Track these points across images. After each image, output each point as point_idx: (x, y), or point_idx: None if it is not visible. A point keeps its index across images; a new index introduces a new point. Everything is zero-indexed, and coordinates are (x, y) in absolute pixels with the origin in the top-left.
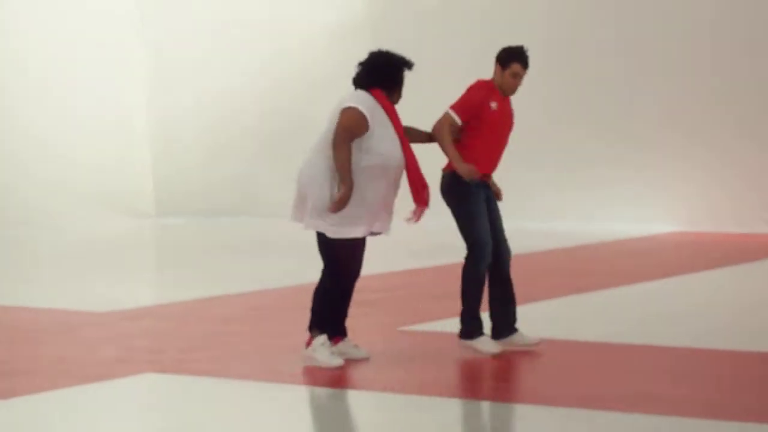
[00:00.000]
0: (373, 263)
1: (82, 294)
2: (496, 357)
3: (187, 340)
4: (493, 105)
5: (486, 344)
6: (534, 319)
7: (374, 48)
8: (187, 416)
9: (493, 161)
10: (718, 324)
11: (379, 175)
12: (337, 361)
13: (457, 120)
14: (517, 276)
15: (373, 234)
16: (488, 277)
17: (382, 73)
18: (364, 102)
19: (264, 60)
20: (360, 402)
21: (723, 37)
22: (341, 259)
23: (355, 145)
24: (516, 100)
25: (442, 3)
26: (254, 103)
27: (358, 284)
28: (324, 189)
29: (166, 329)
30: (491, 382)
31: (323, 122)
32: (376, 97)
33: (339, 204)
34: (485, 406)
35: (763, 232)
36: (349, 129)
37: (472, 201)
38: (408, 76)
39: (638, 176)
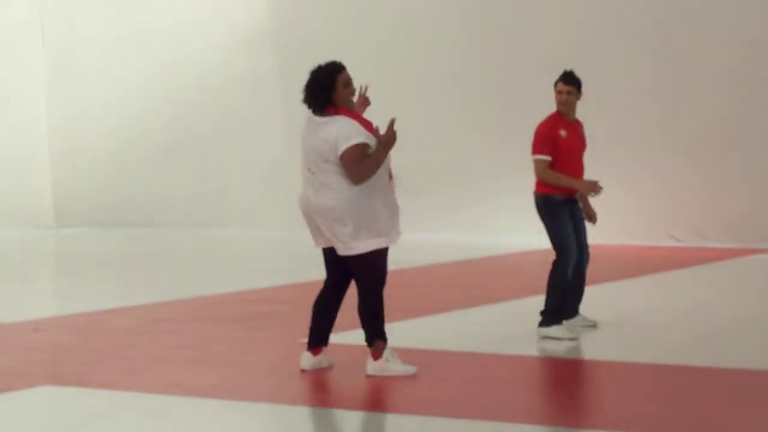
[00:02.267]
0: (274, 275)
1: None
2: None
3: (87, 353)
4: (563, 133)
5: (561, 332)
6: (432, 331)
7: (276, 56)
8: (86, 430)
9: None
10: (623, 335)
11: (374, 180)
12: (412, 369)
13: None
14: (417, 289)
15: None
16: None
17: (320, 89)
18: (351, 131)
19: (166, 68)
20: (261, 414)
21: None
22: (380, 267)
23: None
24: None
25: (345, 12)
26: (155, 111)
27: (254, 296)
28: (362, 211)
29: (66, 341)
30: (393, 393)
31: (223, 131)
32: (343, 114)
33: (390, 146)
34: (390, 418)
35: (670, 245)
36: (360, 161)
37: (560, 215)
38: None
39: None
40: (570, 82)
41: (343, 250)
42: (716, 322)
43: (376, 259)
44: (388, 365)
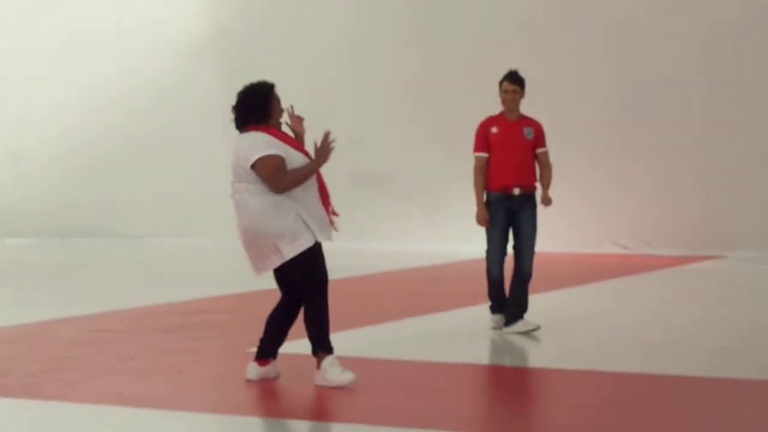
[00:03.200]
0: (219, 284)
1: None
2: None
3: (32, 363)
4: (494, 129)
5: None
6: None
7: (220, 61)
8: None
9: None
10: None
11: (301, 188)
12: (350, 377)
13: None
14: (365, 297)
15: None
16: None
17: (252, 112)
18: (261, 144)
19: (111, 72)
20: (205, 424)
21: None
22: (314, 269)
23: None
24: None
25: (287, 20)
26: (99, 116)
27: (199, 306)
28: (277, 221)
29: (10, 352)
30: (339, 402)
31: (166, 137)
32: (261, 131)
33: (325, 158)
34: (338, 427)
35: (611, 252)
36: (276, 171)
37: (492, 215)
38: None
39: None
40: (514, 81)
41: (276, 262)
42: (663, 330)
43: (310, 263)
44: (326, 375)
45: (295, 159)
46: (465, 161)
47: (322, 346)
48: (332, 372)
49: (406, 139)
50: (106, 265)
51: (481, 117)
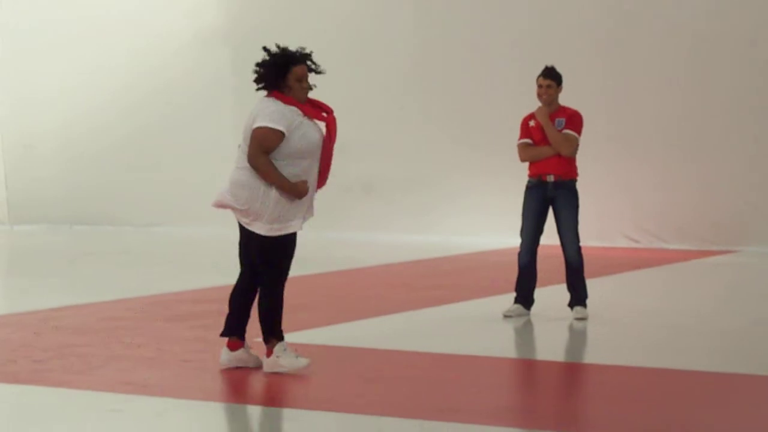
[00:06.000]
0: (227, 273)
1: None
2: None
3: (40, 351)
4: (531, 123)
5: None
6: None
7: (229, 50)
8: (39, 428)
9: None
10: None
11: (301, 169)
12: (304, 362)
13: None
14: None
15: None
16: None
17: (271, 76)
18: (274, 114)
19: (120, 59)
20: (214, 412)
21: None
22: (279, 257)
23: (275, 154)
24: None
25: (299, 13)
26: (108, 104)
27: (207, 295)
28: (262, 195)
29: (18, 339)
30: (350, 393)
31: (175, 125)
32: (278, 99)
33: (299, 195)
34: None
35: (624, 246)
36: (261, 146)
37: (525, 200)
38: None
39: (503, 189)
40: (548, 76)
41: (241, 220)
42: (675, 323)
43: (275, 249)
44: (279, 361)
45: (306, 134)
46: (477, 153)
47: (273, 333)
48: (285, 357)
49: (417, 128)
50: (114, 252)
51: (491, 111)
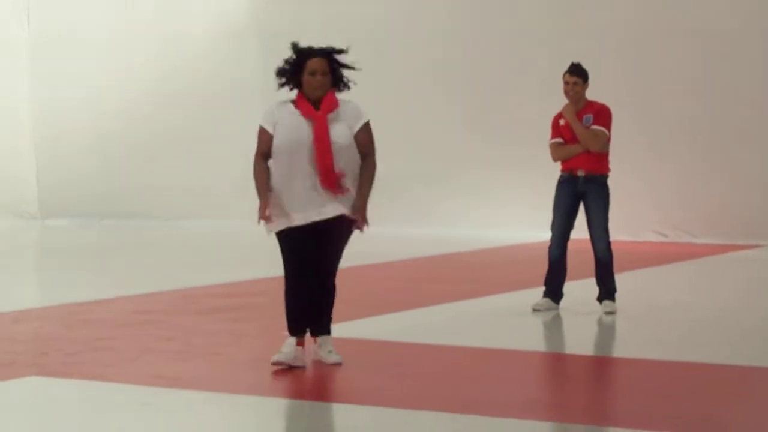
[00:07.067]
0: (256, 267)
1: None
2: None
3: (70, 344)
4: (561, 121)
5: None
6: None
7: (259, 48)
8: (72, 421)
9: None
10: (610, 330)
11: (283, 166)
12: (290, 356)
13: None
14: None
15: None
16: None
17: (289, 74)
18: (264, 112)
19: (150, 57)
20: (243, 406)
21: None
22: (282, 254)
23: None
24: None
25: (326, 13)
26: (139, 101)
27: (236, 289)
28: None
29: (49, 332)
30: (378, 386)
31: (207, 121)
32: (297, 96)
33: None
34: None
35: (652, 240)
36: (258, 147)
37: (557, 194)
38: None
39: (533, 184)
40: (573, 73)
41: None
42: (703, 317)
43: (280, 242)
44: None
45: (282, 132)
46: (508, 147)
47: (287, 326)
48: (284, 347)
49: (444, 124)
50: (143, 246)
51: (513, 106)
